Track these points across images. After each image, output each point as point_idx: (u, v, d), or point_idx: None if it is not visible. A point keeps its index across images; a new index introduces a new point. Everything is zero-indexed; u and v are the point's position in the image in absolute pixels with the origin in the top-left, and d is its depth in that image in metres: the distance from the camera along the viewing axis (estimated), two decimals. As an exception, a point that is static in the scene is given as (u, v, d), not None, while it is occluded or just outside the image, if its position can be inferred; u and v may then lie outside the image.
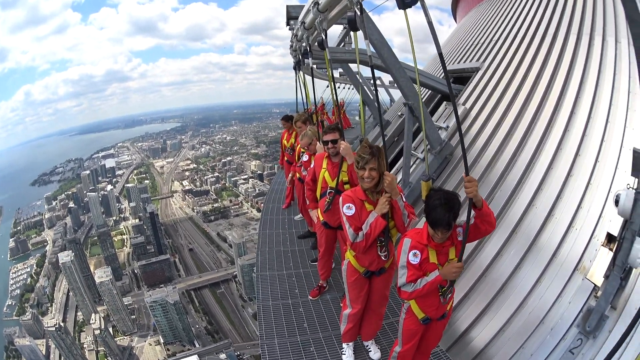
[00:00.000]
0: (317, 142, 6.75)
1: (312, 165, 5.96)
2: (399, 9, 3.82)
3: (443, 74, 11.99)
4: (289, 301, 6.51)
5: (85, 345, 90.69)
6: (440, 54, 3.47)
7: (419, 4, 3.70)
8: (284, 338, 5.60)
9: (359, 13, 4.69)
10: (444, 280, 3.53)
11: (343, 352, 5.14)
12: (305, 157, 7.33)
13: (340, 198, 4.23)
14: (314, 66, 14.93)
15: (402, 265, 3.62)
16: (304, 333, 5.70)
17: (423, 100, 12.13)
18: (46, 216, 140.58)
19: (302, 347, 5.41)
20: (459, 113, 8.97)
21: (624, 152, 5.08)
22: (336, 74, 24.15)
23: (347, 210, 4.09)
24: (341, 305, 5.40)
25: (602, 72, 6.65)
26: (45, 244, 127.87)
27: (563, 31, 8.43)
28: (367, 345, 5.19)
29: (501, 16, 12.37)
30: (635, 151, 3.41)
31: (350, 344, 5.11)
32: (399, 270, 3.64)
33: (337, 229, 5.84)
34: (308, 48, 8.14)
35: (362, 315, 4.86)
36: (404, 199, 4.00)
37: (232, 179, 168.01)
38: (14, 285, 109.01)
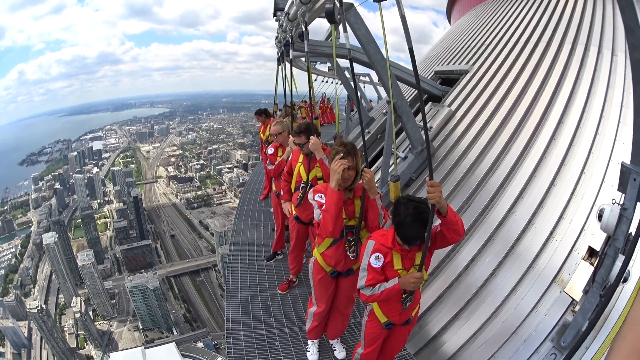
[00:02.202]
0: (289, 136, 6.65)
1: (288, 159, 5.88)
2: (374, 1, 3.73)
3: (431, 75, 11.97)
4: (257, 294, 6.47)
5: (65, 329, 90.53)
6: (411, 49, 3.35)
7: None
8: (250, 331, 5.55)
9: (337, 5, 4.56)
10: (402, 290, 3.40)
11: (307, 349, 5.09)
12: (270, 150, 7.25)
13: (311, 189, 4.10)
14: (297, 58, 14.87)
15: (363, 268, 3.49)
16: (270, 327, 5.66)
17: (409, 100, 12.08)
18: (32, 196, 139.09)
19: (268, 341, 5.37)
20: (442, 115, 8.92)
21: (611, 166, 5.01)
22: (325, 68, 24.11)
23: (318, 198, 3.96)
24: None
25: (594, 84, 6.62)
26: (31, 224, 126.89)
27: (557, 39, 8.41)
28: (332, 344, 5.13)
29: (495, 20, 12.37)
30: (623, 165, 3.29)
31: (316, 341, 5.06)
32: (360, 272, 3.52)
33: (308, 225, 5.77)
34: (290, 39, 8.06)
35: (328, 314, 4.77)
36: (381, 199, 3.88)
37: (217, 167, 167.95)
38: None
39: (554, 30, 8.79)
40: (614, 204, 3.43)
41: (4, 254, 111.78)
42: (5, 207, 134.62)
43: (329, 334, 5.08)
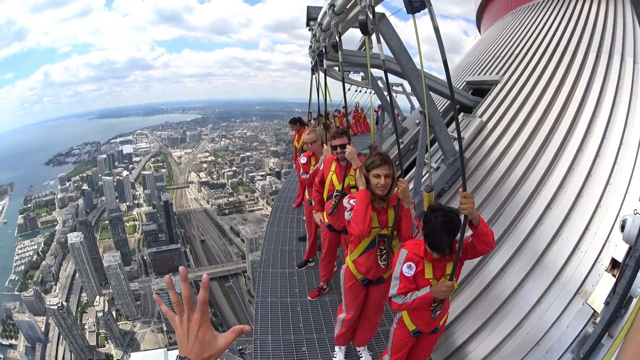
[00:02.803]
0: (324, 145, 6.72)
1: (321, 167, 5.94)
2: (407, 13, 3.80)
3: (463, 85, 11.94)
4: (287, 299, 6.57)
5: (86, 327, 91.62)
6: (445, 62, 3.44)
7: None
8: (278, 335, 5.67)
9: (370, 16, 4.64)
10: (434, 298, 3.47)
11: (334, 355, 5.16)
12: (303, 159, 7.31)
13: (346, 197, 4.21)
14: (331, 67, 14.93)
15: (395, 276, 3.57)
16: (298, 332, 5.76)
17: (441, 110, 12.07)
18: (58, 196, 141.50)
19: (295, 346, 5.46)
20: (474, 125, 8.91)
21: (635, 176, 4.99)
22: (358, 78, 24.12)
23: (353, 202, 4.04)
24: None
25: (619, 92, 6.56)
26: (55, 223, 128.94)
27: (583, 48, 8.33)
28: (359, 351, 5.20)
29: (523, 30, 12.27)
30: (645, 176, 3.32)
31: (342, 347, 5.13)
32: (392, 281, 3.61)
33: (341, 232, 5.83)
34: (324, 50, 8.14)
35: (357, 321, 4.85)
36: (415, 209, 3.97)
37: (250, 174, 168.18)
38: (19, 261, 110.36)
39: (579, 39, 8.73)
40: (636, 214, 3.45)
41: (26, 250, 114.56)
42: (29, 205, 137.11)
43: (357, 341, 5.16)
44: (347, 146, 5.23)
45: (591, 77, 7.38)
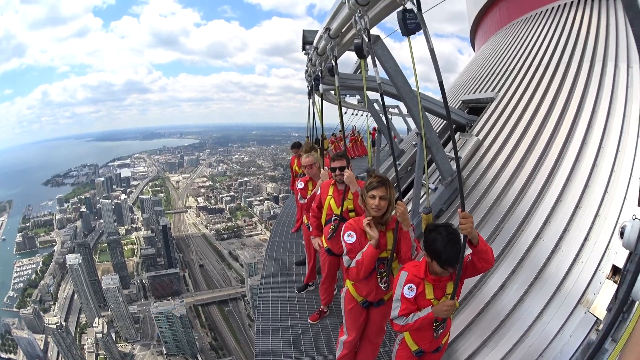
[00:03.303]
0: (322, 169, 6.75)
1: (318, 192, 5.95)
2: (402, 35, 3.84)
3: (459, 104, 12.03)
4: (288, 323, 6.52)
5: (85, 347, 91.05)
6: (441, 83, 3.50)
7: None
8: (280, 359, 5.61)
9: (366, 40, 4.71)
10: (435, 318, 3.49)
11: None
12: (301, 185, 7.30)
13: (343, 226, 4.24)
14: (327, 92, 15.04)
15: (397, 298, 3.57)
16: (299, 356, 5.72)
17: (437, 130, 12.14)
18: (57, 217, 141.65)
19: (297, 368, 5.38)
20: (471, 144, 8.97)
21: (633, 182, 5.03)
22: (354, 101, 24.27)
23: (348, 238, 4.12)
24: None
25: (613, 100, 6.65)
26: (54, 243, 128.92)
27: (577, 58, 8.46)
28: (361, 373, 5.15)
29: (516, 44, 12.39)
30: (643, 181, 3.37)
31: (345, 370, 5.08)
32: (393, 303, 3.60)
33: (340, 256, 5.82)
34: (320, 74, 8.20)
35: (359, 343, 4.85)
36: (414, 231, 4.00)
37: (248, 199, 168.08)
38: (17, 279, 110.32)
39: (572, 49, 8.85)
40: (634, 219, 3.47)
41: (24, 268, 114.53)
42: (27, 224, 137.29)
43: (359, 363, 5.15)
44: (346, 170, 5.26)
45: (586, 87, 7.48)
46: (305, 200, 7.01)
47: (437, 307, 3.44)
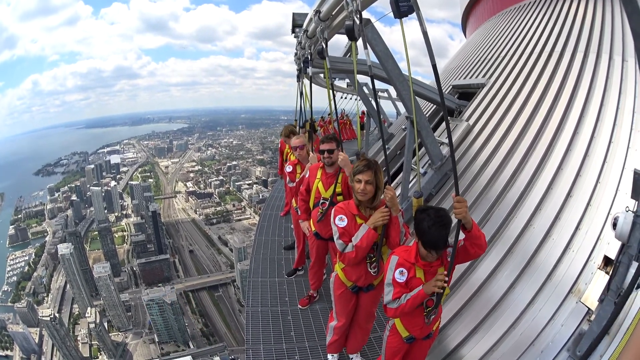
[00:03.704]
0: (310, 152, 6.70)
1: (306, 175, 5.88)
2: (395, 17, 3.77)
3: (449, 89, 11.99)
4: (278, 308, 6.51)
5: (79, 338, 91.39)
6: (434, 66, 3.45)
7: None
8: (270, 344, 5.61)
9: (357, 22, 4.63)
10: (428, 296, 3.46)
11: None
12: (289, 168, 7.32)
13: (333, 209, 4.19)
14: (316, 75, 14.95)
15: (388, 283, 3.55)
16: (290, 341, 5.71)
17: (427, 115, 12.11)
18: (48, 207, 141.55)
19: (287, 354, 5.42)
20: (461, 129, 8.94)
21: (625, 174, 5.00)
22: (344, 84, 24.18)
23: (339, 221, 4.06)
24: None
25: (607, 91, 6.61)
26: (46, 234, 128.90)
27: (570, 48, 8.42)
28: (352, 358, 5.17)
29: (509, 32, 12.38)
30: (636, 172, 3.33)
31: (335, 355, 5.11)
32: (385, 288, 3.58)
33: (328, 240, 5.79)
34: (309, 57, 8.13)
35: (349, 328, 4.82)
36: (402, 218, 3.95)
37: (237, 183, 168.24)
38: (11, 272, 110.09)
39: (566, 39, 8.82)
40: (627, 211, 3.46)
41: (17, 261, 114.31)
42: (20, 216, 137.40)
43: (349, 348, 5.13)
44: (340, 153, 5.21)
45: (579, 77, 7.44)
46: (294, 184, 7.00)
47: (427, 284, 3.43)
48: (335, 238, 4.08)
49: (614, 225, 3.54)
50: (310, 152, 6.71)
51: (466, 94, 11.29)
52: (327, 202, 5.42)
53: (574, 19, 9.38)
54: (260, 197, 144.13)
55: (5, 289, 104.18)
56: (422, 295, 3.43)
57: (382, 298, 3.68)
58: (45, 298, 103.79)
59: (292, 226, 8.60)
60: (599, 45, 7.86)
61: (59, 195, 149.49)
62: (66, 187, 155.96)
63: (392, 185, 3.98)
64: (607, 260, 4.32)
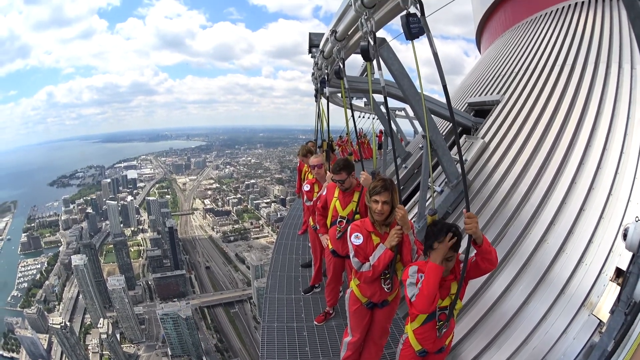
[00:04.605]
0: (328, 171, 6.79)
1: (324, 193, 5.98)
2: (406, 39, 3.86)
3: (465, 107, 12.02)
4: (293, 324, 6.55)
5: (89, 347, 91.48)
6: (444, 85, 3.57)
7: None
8: (285, 359, 5.64)
9: (372, 43, 4.73)
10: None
11: None
12: (307, 187, 7.43)
13: (349, 227, 4.28)
14: (334, 94, 15.04)
15: (411, 283, 3.54)
16: (304, 357, 5.75)
17: (443, 133, 12.14)
18: (62, 217, 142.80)
19: (302, 369, 5.42)
20: (477, 147, 8.97)
21: (637, 184, 5.05)
22: (361, 103, 24.27)
23: (355, 239, 4.15)
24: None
25: (617, 102, 6.68)
26: (59, 244, 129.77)
27: (581, 61, 8.47)
28: (365, 374, 5.18)
29: (521, 46, 12.38)
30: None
31: (349, 371, 5.10)
32: (408, 288, 3.55)
33: (345, 258, 5.85)
34: (326, 77, 8.24)
35: (363, 344, 4.88)
36: (415, 234, 4.04)
37: (255, 201, 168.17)
38: (21, 279, 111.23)
39: (577, 51, 8.87)
40: (637, 221, 3.48)
41: (29, 268, 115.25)
42: (33, 225, 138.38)
43: (363, 364, 5.17)
44: (363, 172, 5.39)
45: (590, 89, 7.49)
46: (311, 203, 7.08)
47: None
48: (351, 256, 4.17)
49: (625, 236, 3.56)
50: (328, 172, 6.79)
51: (482, 111, 11.29)
52: (344, 221, 5.52)
53: (584, 29, 9.43)
54: (279, 215, 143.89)
55: (15, 294, 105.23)
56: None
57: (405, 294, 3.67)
58: (57, 306, 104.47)
59: (309, 244, 8.67)
60: (608, 54, 7.92)
61: (74, 207, 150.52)
62: (82, 199, 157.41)
63: (407, 204, 4.08)
64: (618, 272, 4.32)
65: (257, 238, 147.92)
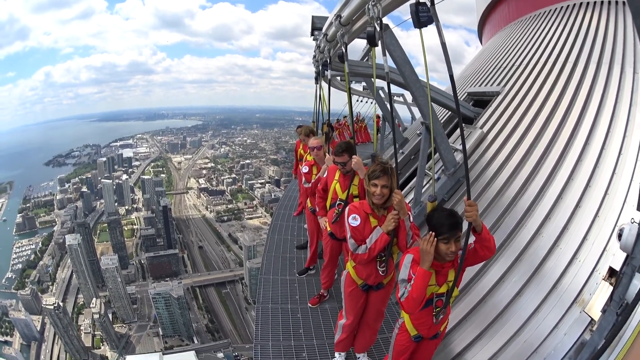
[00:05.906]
0: (327, 154, 6.77)
1: (324, 175, 5.98)
2: (415, 27, 3.85)
3: (464, 96, 12.00)
4: (288, 306, 6.59)
5: (82, 328, 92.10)
6: (451, 76, 3.54)
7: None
8: (279, 341, 5.68)
9: (378, 29, 4.71)
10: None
11: None
12: (305, 169, 7.41)
13: (347, 208, 4.29)
14: (334, 77, 14.98)
15: (403, 279, 3.59)
16: (298, 338, 5.77)
17: (442, 121, 12.13)
18: (57, 197, 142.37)
19: (295, 352, 5.48)
20: (475, 137, 8.97)
21: (633, 185, 5.06)
22: (360, 88, 24.20)
23: (352, 220, 4.15)
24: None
25: (618, 103, 6.70)
26: (54, 224, 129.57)
27: (584, 59, 8.49)
28: (358, 357, 5.23)
29: (524, 41, 12.39)
30: (641, 184, 3.39)
31: (343, 353, 5.18)
32: (400, 284, 3.62)
33: (342, 241, 5.86)
34: (328, 60, 8.19)
35: (357, 327, 4.90)
36: (411, 219, 4.03)
37: (249, 182, 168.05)
38: (16, 260, 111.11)
39: (580, 50, 8.88)
40: (633, 223, 3.49)
41: (23, 249, 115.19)
42: (28, 205, 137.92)
43: (357, 347, 5.19)
44: (353, 156, 5.29)
45: (591, 88, 7.51)
46: (310, 185, 7.07)
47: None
48: (347, 237, 4.18)
49: (620, 236, 3.58)
50: (327, 154, 6.77)
51: (481, 101, 11.29)
52: (343, 204, 5.51)
53: (588, 29, 9.44)
54: (273, 196, 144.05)
55: (9, 276, 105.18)
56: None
57: (396, 294, 3.72)
58: (50, 287, 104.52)
59: (305, 226, 8.66)
60: (611, 56, 7.93)
61: (69, 186, 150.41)
62: (77, 178, 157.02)
63: (404, 190, 4.08)
64: (611, 272, 4.36)
65: (251, 218, 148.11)
